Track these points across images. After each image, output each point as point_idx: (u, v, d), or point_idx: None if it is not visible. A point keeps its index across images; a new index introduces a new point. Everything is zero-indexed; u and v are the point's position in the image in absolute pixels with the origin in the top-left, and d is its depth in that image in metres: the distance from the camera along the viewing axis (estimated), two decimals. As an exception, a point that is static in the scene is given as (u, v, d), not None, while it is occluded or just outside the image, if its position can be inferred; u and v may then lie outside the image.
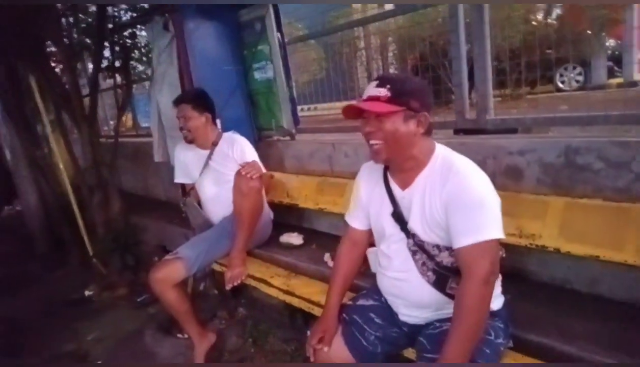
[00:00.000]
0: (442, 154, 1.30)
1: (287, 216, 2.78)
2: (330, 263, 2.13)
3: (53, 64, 3.75)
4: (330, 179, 2.42)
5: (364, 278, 1.93)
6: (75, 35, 3.67)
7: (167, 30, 2.65)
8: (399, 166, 1.32)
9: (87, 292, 3.57)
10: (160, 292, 2.24)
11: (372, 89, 1.25)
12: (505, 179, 1.65)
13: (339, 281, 1.54)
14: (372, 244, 2.08)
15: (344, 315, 1.51)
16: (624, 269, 1.32)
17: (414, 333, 1.39)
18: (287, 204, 2.65)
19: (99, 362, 2.62)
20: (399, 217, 1.34)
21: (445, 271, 1.29)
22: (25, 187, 4.65)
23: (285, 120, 2.87)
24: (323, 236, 2.58)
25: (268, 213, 2.55)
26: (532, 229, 1.48)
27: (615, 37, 5.75)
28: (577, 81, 5.91)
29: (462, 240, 1.17)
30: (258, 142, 2.94)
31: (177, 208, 3.63)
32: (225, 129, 2.57)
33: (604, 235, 1.33)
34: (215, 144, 2.49)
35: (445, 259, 1.29)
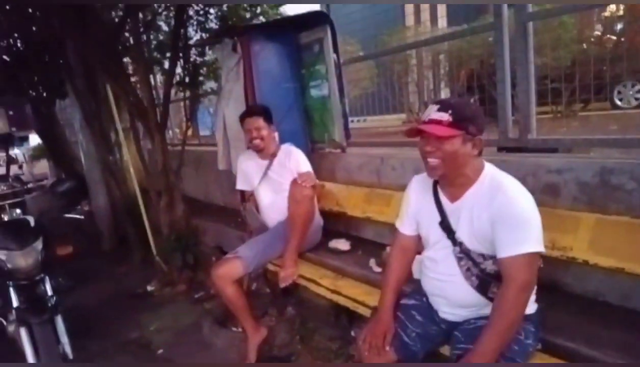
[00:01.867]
0: (491, 172, 1.44)
1: (336, 223, 2.95)
2: (375, 268, 2.29)
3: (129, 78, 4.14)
4: (377, 190, 2.59)
5: (408, 283, 2.07)
6: (148, 52, 4.06)
7: (235, 51, 2.94)
8: (451, 181, 1.46)
9: (149, 288, 3.88)
10: (221, 287, 2.47)
11: (434, 113, 1.38)
12: (543, 195, 1.75)
13: (392, 284, 1.68)
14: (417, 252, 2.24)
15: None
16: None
17: (450, 329, 1.54)
18: (336, 212, 2.83)
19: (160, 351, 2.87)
20: (447, 227, 1.49)
21: (487, 277, 1.44)
22: (96, 189, 5.11)
23: (338, 134, 3.07)
24: (369, 243, 2.73)
25: (319, 220, 2.74)
26: (565, 242, 1.59)
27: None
28: (637, 99, 5.69)
29: (506, 251, 1.31)
30: (312, 153, 3.15)
31: (234, 213, 3.91)
32: (283, 141, 2.79)
33: (630, 249, 1.43)
34: (274, 155, 2.72)
35: (489, 266, 1.43)
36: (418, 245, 1.71)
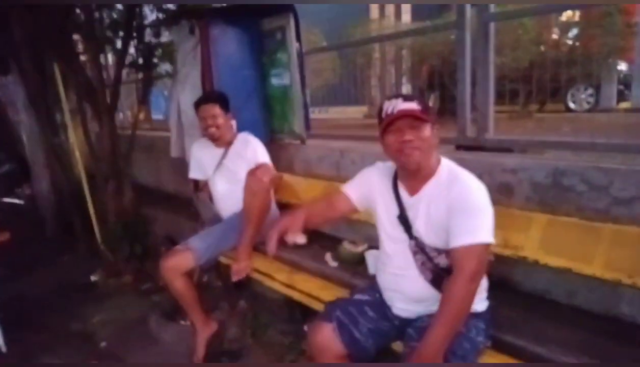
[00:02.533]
0: (448, 165, 1.47)
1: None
2: (331, 263, 2.27)
3: (78, 57, 3.90)
4: (336, 183, 2.54)
5: (362, 278, 2.07)
6: (100, 30, 3.83)
7: (193, 34, 2.81)
8: (414, 173, 1.46)
9: (93, 278, 3.70)
10: (169, 280, 2.38)
11: (402, 104, 1.39)
12: (498, 194, 1.78)
13: (308, 209, 1.72)
14: (372, 247, 2.24)
15: (339, 308, 1.61)
16: (597, 282, 1.46)
17: (403, 326, 1.54)
18: (293, 205, 2.78)
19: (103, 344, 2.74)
20: (405, 220, 1.50)
21: (441, 271, 1.45)
22: (39, 173, 4.81)
23: (298, 125, 3.02)
24: (326, 237, 2.70)
25: (275, 212, 2.68)
26: (516, 241, 1.62)
27: (627, 61, 5.85)
28: (589, 102, 5.98)
29: (458, 240, 1.33)
30: (270, 144, 3.08)
31: (187, 202, 3.78)
32: (241, 130, 2.71)
33: (577, 250, 1.47)
34: (230, 143, 2.64)
35: (442, 261, 1.45)
36: (339, 214, 1.72)
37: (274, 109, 3.17)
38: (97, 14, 3.67)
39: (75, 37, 4.10)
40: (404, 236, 1.50)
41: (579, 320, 1.57)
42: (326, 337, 1.56)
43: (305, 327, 2.50)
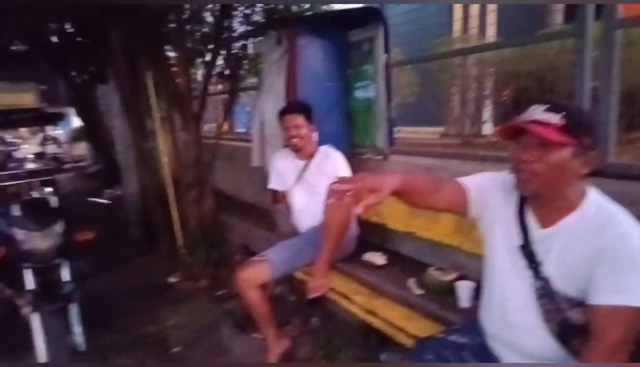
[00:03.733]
0: (598, 200, 1.17)
1: (370, 234, 2.77)
2: (416, 290, 2.09)
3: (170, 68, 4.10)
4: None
5: (452, 312, 1.87)
6: (190, 42, 4.01)
7: (280, 44, 2.80)
8: (545, 202, 1.20)
9: (171, 279, 3.82)
10: (244, 291, 2.34)
11: (540, 113, 1.12)
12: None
13: (417, 177, 1.39)
14: (462, 277, 2.03)
15: (433, 349, 1.42)
16: None
17: None
18: (372, 223, 2.65)
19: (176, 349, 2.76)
20: (530, 255, 1.22)
21: (571, 328, 1.17)
22: (128, 176, 5.13)
23: (381, 140, 2.89)
24: (406, 259, 2.53)
25: (354, 229, 2.57)
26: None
27: None
28: None
29: (603, 297, 1.07)
30: (351, 158, 2.98)
31: (264, 212, 3.80)
32: (321, 142, 2.64)
33: None
34: (311, 156, 2.58)
35: (575, 315, 1.16)
36: (453, 201, 1.36)
37: (356, 123, 3.08)
38: (188, 26, 3.85)
39: (167, 48, 4.34)
40: (526, 273, 1.22)
41: None
42: None
43: (383, 357, 2.34)
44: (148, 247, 4.60)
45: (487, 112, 5.80)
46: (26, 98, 2.67)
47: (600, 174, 1.81)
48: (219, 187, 4.93)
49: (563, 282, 1.17)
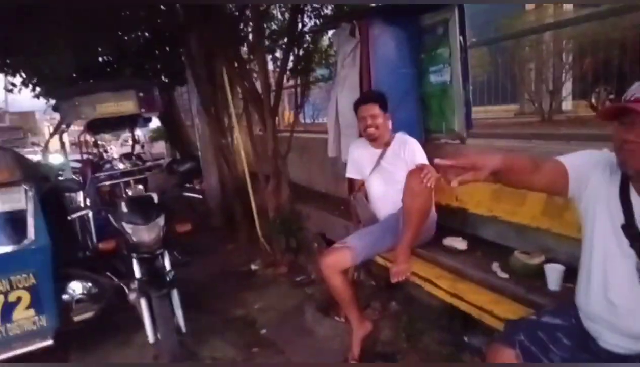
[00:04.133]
0: None
1: (449, 219, 2.75)
2: (501, 274, 2.06)
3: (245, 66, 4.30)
4: (507, 187, 2.34)
5: (540, 295, 1.84)
6: (264, 41, 4.17)
7: (353, 36, 2.85)
8: None
9: (253, 266, 4.05)
10: (328, 276, 2.42)
11: None
12: None
13: (516, 158, 1.31)
14: (549, 260, 1.98)
15: (524, 331, 1.41)
16: None
17: (612, 361, 1.27)
18: (452, 208, 2.64)
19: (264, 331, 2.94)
20: (633, 232, 1.21)
21: None
22: (209, 170, 5.46)
23: (458, 124, 2.85)
24: (488, 244, 2.49)
25: (434, 215, 2.57)
26: None
27: None
28: None
29: None
30: (426, 144, 2.97)
31: (338, 201, 3.89)
32: (396, 129, 2.66)
33: None
34: (387, 144, 2.61)
35: None
36: (551, 182, 1.34)
37: (431, 107, 3.05)
38: (262, 24, 3.99)
39: (242, 47, 4.55)
40: (629, 252, 1.21)
41: None
42: (507, 360, 1.37)
43: (466, 339, 2.35)
44: (229, 237, 4.88)
45: (567, 88, 5.43)
46: (127, 106, 2.95)
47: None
48: (293, 178, 5.10)
49: None
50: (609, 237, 1.26)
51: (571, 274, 1.45)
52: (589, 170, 1.31)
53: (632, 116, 1.11)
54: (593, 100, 5.05)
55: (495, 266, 2.13)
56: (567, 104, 5.66)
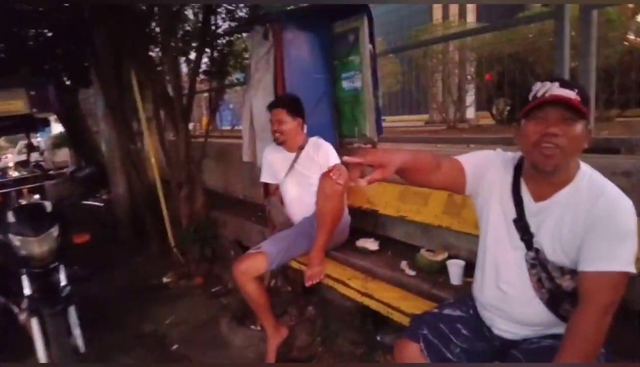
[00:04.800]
0: (589, 173, 1.23)
1: (362, 221, 2.82)
2: (408, 271, 2.15)
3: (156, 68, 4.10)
4: (413, 188, 2.44)
5: (444, 290, 1.94)
6: (175, 41, 4.00)
7: (267, 39, 2.82)
8: (547, 176, 1.23)
9: (165, 279, 3.83)
10: (242, 283, 2.36)
11: (558, 89, 1.15)
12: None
13: (416, 155, 1.33)
14: (452, 256, 2.10)
15: (427, 324, 1.47)
16: None
17: (506, 348, 1.35)
18: (364, 210, 2.70)
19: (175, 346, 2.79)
20: (524, 227, 1.28)
21: (562, 293, 1.24)
22: (116, 178, 5.08)
23: (369, 129, 2.94)
24: (398, 243, 2.60)
25: (347, 217, 2.61)
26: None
27: None
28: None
29: (592, 264, 1.13)
30: (339, 148, 3.03)
31: (255, 207, 3.83)
32: (310, 134, 2.68)
33: None
34: (301, 148, 2.61)
35: (565, 282, 1.24)
36: (448, 179, 1.39)
37: (344, 113, 3.12)
38: (173, 25, 3.83)
39: (152, 48, 4.33)
40: (519, 244, 1.29)
41: None
42: (412, 358, 1.42)
43: (379, 338, 2.41)
44: (140, 249, 4.58)
45: (470, 97, 5.90)
46: (16, 105, 2.62)
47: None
48: (209, 184, 4.94)
49: (557, 254, 1.23)
50: (502, 230, 1.34)
51: (472, 269, 1.54)
52: (484, 168, 1.39)
53: (548, 111, 1.15)
54: (494, 111, 5.54)
55: (403, 264, 2.21)
56: (471, 113, 6.14)
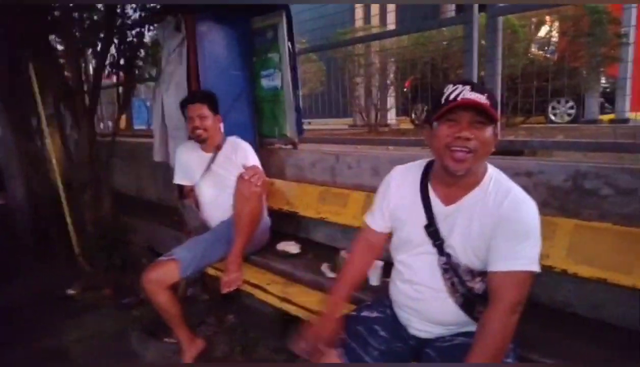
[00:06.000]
0: (495, 176, 1.26)
1: (284, 224, 2.76)
2: (329, 274, 2.12)
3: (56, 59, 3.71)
4: (333, 189, 2.42)
5: (364, 292, 1.91)
6: (79, 32, 3.66)
7: (179, 31, 2.65)
8: (455, 180, 1.24)
9: (69, 291, 3.48)
10: (152, 294, 2.19)
11: (469, 93, 1.15)
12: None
13: (347, 280, 1.48)
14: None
15: (346, 328, 1.44)
16: (627, 294, 1.34)
17: (421, 347, 1.36)
18: (285, 212, 2.63)
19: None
20: (434, 233, 1.29)
21: (474, 297, 1.27)
22: (13, 180, 4.56)
23: (289, 129, 2.88)
24: (320, 246, 2.57)
25: (267, 220, 2.53)
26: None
27: (611, 75, 5.94)
28: (569, 114, 6.06)
29: (500, 264, 1.16)
30: (259, 148, 2.94)
31: (170, 210, 3.60)
32: (229, 133, 2.56)
33: (612, 258, 1.34)
34: (219, 147, 2.48)
35: (476, 285, 1.26)
36: (385, 245, 1.49)
37: (263, 112, 3.03)
38: (76, 14, 3.49)
39: (53, 37, 3.92)
40: (431, 249, 1.30)
41: (606, 336, 1.45)
42: (331, 359, 1.37)
43: (289, 344, 2.35)
44: (42, 257, 4.14)
45: (391, 101, 6.10)
46: None
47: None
48: (120, 187, 4.61)
49: (468, 256, 1.26)
50: (414, 235, 1.34)
51: (390, 268, 1.55)
52: (388, 198, 1.42)
53: (460, 115, 1.15)
54: (413, 115, 5.80)
55: (324, 267, 2.19)
56: (392, 118, 6.36)
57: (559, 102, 5.98)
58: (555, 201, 1.60)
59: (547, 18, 4.87)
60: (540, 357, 1.33)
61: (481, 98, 1.13)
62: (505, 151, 1.90)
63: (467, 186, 1.25)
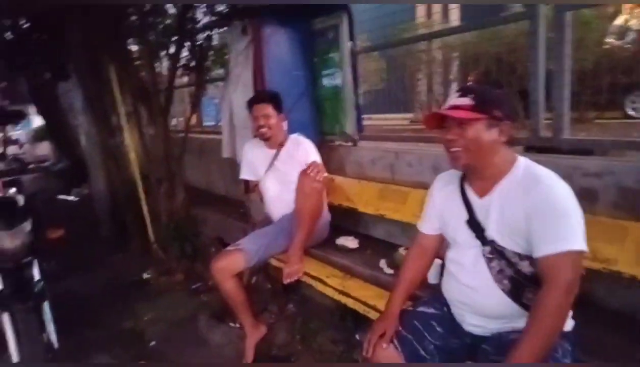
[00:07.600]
0: (525, 164, 1.31)
1: (343, 220, 2.82)
2: (387, 270, 2.16)
3: (133, 62, 4.01)
4: (392, 186, 2.44)
5: (421, 288, 1.93)
6: (154, 35, 3.92)
7: (245, 34, 2.79)
8: (479, 174, 1.35)
9: (145, 275, 3.78)
10: (220, 281, 2.34)
11: (455, 99, 1.30)
12: (579, 201, 1.61)
13: (404, 284, 1.58)
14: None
15: (402, 321, 1.50)
16: None
17: (477, 344, 1.38)
18: (345, 208, 2.70)
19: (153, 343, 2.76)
20: (475, 225, 1.36)
21: (523, 279, 1.28)
22: (96, 173, 5.00)
23: (349, 127, 2.93)
24: (378, 242, 2.60)
25: (327, 215, 2.61)
26: (608, 253, 1.43)
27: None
28: (648, 109, 5.54)
29: (546, 248, 1.17)
30: (320, 146, 3.01)
31: (236, 203, 3.80)
32: (291, 131, 2.65)
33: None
34: (282, 145, 2.59)
35: (525, 267, 1.28)
36: (439, 247, 1.58)
37: (324, 110, 3.11)
38: (150, 18, 3.75)
39: (130, 41, 4.23)
40: (476, 242, 1.36)
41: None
42: (386, 355, 1.43)
43: (358, 336, 2.41)
44: (120, 245, 4.51)
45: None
46: (-16, 96, 2.57)
47: (556, 150, 1.91)
48: (191, 181, 4.89)
49: (506, 241, 1.30)
50: (459, 231, 1.42)
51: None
52: (434, 205, 1.55)
53: (449, 121, 1.31)
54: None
55: (382, 263, 2.23)
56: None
57: (638, 96, 5.50)
58: (626, 204, 1.53)
59: (626, 6, 4.52)
60: (601, 362, 1.29)
61: (464, 101, 1.27)
62: (573, 150, 1.83)
63: (494, 177, 1.32)
